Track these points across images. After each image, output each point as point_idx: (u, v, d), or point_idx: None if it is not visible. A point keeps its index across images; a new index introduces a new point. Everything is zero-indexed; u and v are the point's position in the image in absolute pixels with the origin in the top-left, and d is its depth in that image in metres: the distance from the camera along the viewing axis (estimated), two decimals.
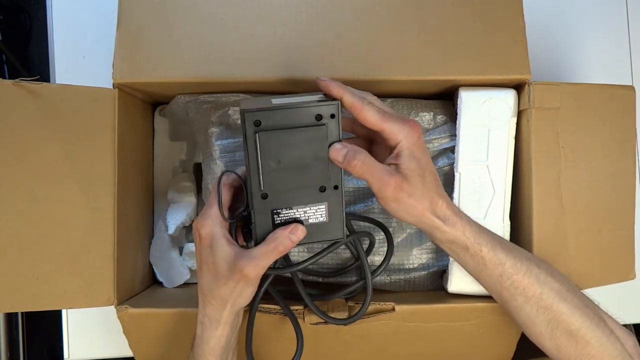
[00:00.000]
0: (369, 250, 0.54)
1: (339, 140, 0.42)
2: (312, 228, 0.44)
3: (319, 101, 0.42)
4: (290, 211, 0.43)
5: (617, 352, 0.44)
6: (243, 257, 0.42)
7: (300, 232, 0.43)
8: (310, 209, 0.44)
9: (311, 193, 0.43)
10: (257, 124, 0.40)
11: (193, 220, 0.62)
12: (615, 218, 0.53)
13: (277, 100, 0.42)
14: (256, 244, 0.43)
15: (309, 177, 0.43)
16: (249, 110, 0.40)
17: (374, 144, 0.47)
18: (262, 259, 0.42)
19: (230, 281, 0.43)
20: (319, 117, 0.41)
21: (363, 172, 0.42)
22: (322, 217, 0.44)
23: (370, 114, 0.42)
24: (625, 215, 0.54)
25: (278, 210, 0.43)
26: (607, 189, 0.53)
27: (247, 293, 0.44)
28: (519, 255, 0.46)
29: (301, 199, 0.43)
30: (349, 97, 0.42)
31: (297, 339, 0.49)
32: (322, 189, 0.43)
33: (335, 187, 0.43)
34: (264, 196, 0.42)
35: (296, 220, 0.44)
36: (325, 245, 0.48)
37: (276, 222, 0.43)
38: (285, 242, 0.42)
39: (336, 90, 0.43)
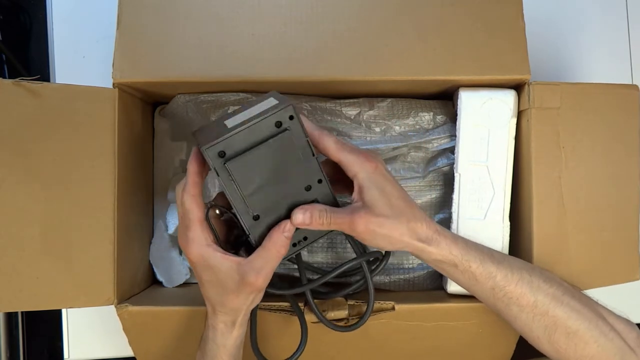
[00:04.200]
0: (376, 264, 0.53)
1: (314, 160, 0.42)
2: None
3: (272, 109, 0.40)
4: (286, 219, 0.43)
5: (616, 349, 0.44)
6: (251, 272, 0.42)
7: (289, 225, 0.43)
8: None
9: (299, 195, 0.43)
10: (222, 154, 0.39)
11: None
12: (618, 218, 0.53)
13: (230, 121, 0.41)
14: None
15: (292, 183, 0.42)
16: (208, 145, 0.38)
17: (341, 181, 0.47)
18: (267, 267, 0.42)
19: (242, 294, 0.43)
20: (278, 124, 0.40)
21: (328, 225, 0.43)
22: None
23: (329, 143, 0.43)
24: (629, 215, 0.53)
25: (273, 225, 0.43)
26: (609, 189, 0.53)
27: (259, 298, 0.45)
28: (509, 266, 0.46)
29: (292, 204, 0.43)
30: (308, 124, 0.43)
31: (301, 334, 0.49)
32: (308, 188, 0.43)
33: (319, 181, 0.43)
34: (256, 218, 0.43)
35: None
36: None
37: None
38: (282, 241, 0.42)
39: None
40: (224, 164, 0.39)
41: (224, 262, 0.42)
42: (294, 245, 0.45)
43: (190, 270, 0.61)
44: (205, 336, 0.46)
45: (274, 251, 0.42)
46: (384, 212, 0.42)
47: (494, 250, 0.48)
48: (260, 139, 0.40)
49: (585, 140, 0.52)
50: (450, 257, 0.44)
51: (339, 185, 0.46)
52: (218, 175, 0.40)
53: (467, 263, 0.45)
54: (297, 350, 0.49)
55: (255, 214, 0.42)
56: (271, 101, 0.41)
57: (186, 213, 0.42)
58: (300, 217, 0.42)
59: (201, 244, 0.42)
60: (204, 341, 0.46)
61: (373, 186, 0.43)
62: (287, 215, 0.43)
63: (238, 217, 0.42)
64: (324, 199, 0.44)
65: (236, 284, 0.42)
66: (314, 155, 0.42)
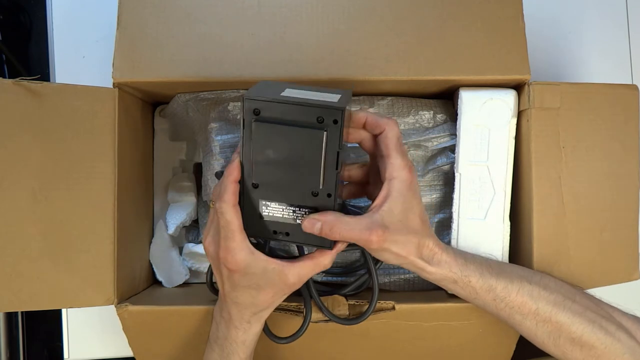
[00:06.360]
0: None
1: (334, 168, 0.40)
2: (300, 229, 0.43)
3: (326, 103, 0.39)
4: (280, 206, 0.43)
5: (624, 349, 0.44)
6: (294, 276, 0.43)
7: (340, 246, 0.44)
8: (300, 210, 0.43)
9: (303, 195, 0.42)
10: (256, 112, 0.39)
11: (193, 220, 0.62)
12: (617, 218, 0.53)
13: (289, 91, 0.40)
14: (248, 231, 0.43)
15: (301, 178, 0.41)
16: (250, 98, 0.39)
17: (368, 184, 0.48)
18: (309, 275, 0.44)
19: (279, 294, 0.45)
20: (320, 120, 0.39)
21: (343, 238, 0.42)
22: None
23: (393, 134, 0.43)
24: (629, 215, 0.53)
25: (267, 203, 0.43)
26: (609, 189, 0.53)
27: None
28: (509, 276, 0.46)
29: (292, 198, 0.42)
30: (372, 117, 0.43)
31: (303, 319, 0.50)
32: (315, 194, 0.41)
33: (329, 195, 0.41)
34: (255, 186, 0.42)
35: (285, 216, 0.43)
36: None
37: (264, 213, 0.43)
38: (330, 260, 0.44)
39: (360, 115, 0.44)
40: (253, 121, 0.39)
41: (269, 265, 0.42)
42: (275, 232, 0.44)
43: (190, 270, 0.61)
44: (223, 335, 0.46)
45: (320, 264, 0.44)
46: (398, 229, 0.42)
47: (492, 260, 0.49)
48: (296, 122, 0.39)
49: (585, 140, 0.52)
50: (449, 275, 0.45)
51: (359, 188, 0.48)
52: (243, 128, 0.40)
53: (466, 279, 0.45)
54: (302, 326, 0.50)
55: (255, 182, 0.42)
56: (334, 96, 0.40)
57: (227, 224, 0.41)
58: (309, 227, 0.42)
59: (246, 252, 0.42)
60: (220, 339, 0.46)
61: (399, 199, 0.42)
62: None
63: (242, 177, 0.42)
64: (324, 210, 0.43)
65: (276, 285, 0.43)
66: (337, 169, 0.40)
